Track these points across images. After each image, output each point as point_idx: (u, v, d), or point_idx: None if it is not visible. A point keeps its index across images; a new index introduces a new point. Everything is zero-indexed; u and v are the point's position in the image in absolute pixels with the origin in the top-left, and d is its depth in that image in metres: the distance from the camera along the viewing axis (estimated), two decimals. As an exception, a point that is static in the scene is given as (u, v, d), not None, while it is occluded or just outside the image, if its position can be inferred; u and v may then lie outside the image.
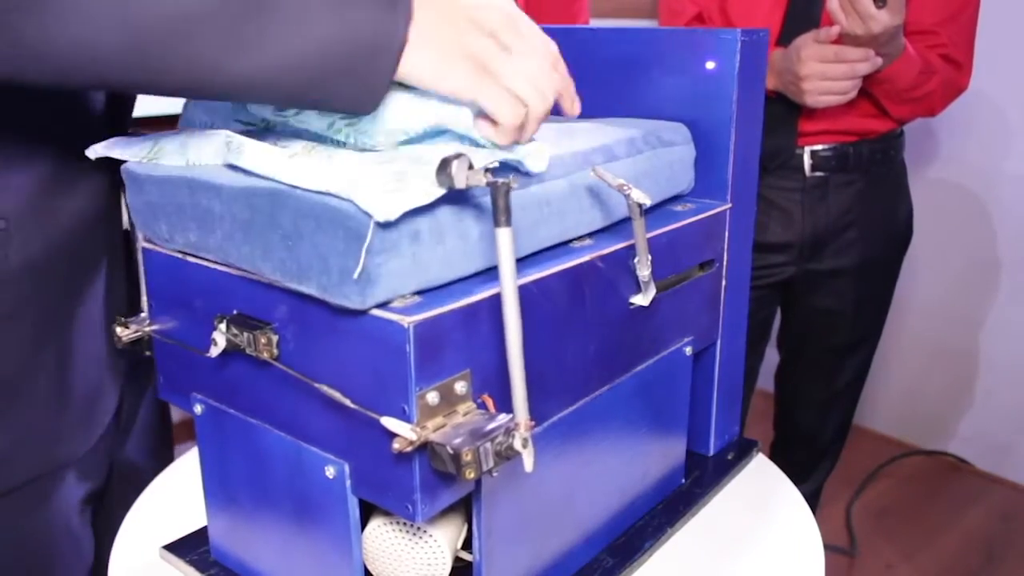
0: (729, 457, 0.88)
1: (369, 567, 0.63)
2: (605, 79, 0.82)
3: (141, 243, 0.68)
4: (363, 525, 0.61)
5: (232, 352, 0.60)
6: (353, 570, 0.59)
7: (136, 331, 0.69)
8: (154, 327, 0.69)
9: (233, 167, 0.59)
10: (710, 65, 0.77)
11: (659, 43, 0.81)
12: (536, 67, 0.55)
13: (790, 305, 1.53)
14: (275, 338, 0.57)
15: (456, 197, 0.53)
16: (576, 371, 0.64)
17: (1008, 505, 2.15)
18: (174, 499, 0.81)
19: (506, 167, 0.58)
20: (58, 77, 0.50)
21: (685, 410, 0.80)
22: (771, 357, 1.62)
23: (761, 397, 1.75)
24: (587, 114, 0.71)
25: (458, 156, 0.49)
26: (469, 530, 0.63)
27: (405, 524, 0.62)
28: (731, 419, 0.90)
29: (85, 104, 0.69)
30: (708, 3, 1.38)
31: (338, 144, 0.60)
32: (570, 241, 0.65)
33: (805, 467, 1.64)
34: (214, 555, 0.71)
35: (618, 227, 0.69)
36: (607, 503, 0.72)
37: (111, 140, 0.65)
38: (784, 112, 1.33)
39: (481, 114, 0.55)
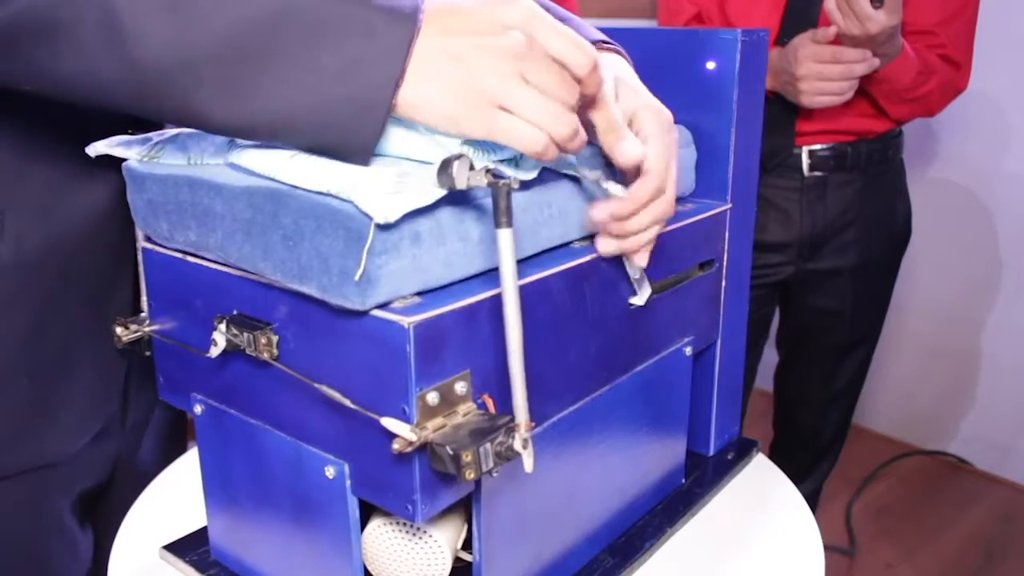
0: (729, 457, 0.88)
1: (369, 567, 0.63)
2: (605, 79, 0.82)
3: (141, 243, 0.68)
4: (363, 525, 0.61)
5: (232, 352, 0.60)
6: (353, 570, 0.59)
7: (136, 331, 0.69)
8: (154, 327, 0.69)
9: (235, 166, 0.59)
10: (710, 65, 0.77)
11: (659, 43, 0.81)
12: (554, 86, 0.52)
13: (789, 305, 1.53)
14: (275, 338, 0.57)
15: (457, 198, 0.53)
16: (576, 371, 0.64)
17: (1008, 505, 2.15)
18: (174, 499, 0.81)
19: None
20: (69, 97, 0.53)
21: (685, 410, 0.80)
22: (770, 357, 1.62)
23: (760, 397, 1.75)
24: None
25: (459, 157, 0.49)
26: (469, 530, 0.63)
27: (405, 524, 0.62)
28: (731, 419, 0.90)
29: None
30: (707, 3, 1.38)
31: None
32: (571, 242, 0.65)
33: (805, 467, 1.64)
34: (214, 555, 0.71)
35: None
36: (607, 503, 0.72)
37: (112, 138, 0.66)
38: (782, 112, 1.33)
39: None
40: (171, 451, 0.89)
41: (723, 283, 0.82)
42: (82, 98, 0.53)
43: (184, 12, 0.48)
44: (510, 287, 0.50)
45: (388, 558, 0.62)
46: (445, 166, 0.49)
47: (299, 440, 0.59)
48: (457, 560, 0.65)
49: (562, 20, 0.69)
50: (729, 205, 0.80)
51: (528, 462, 0.52)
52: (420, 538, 0.61)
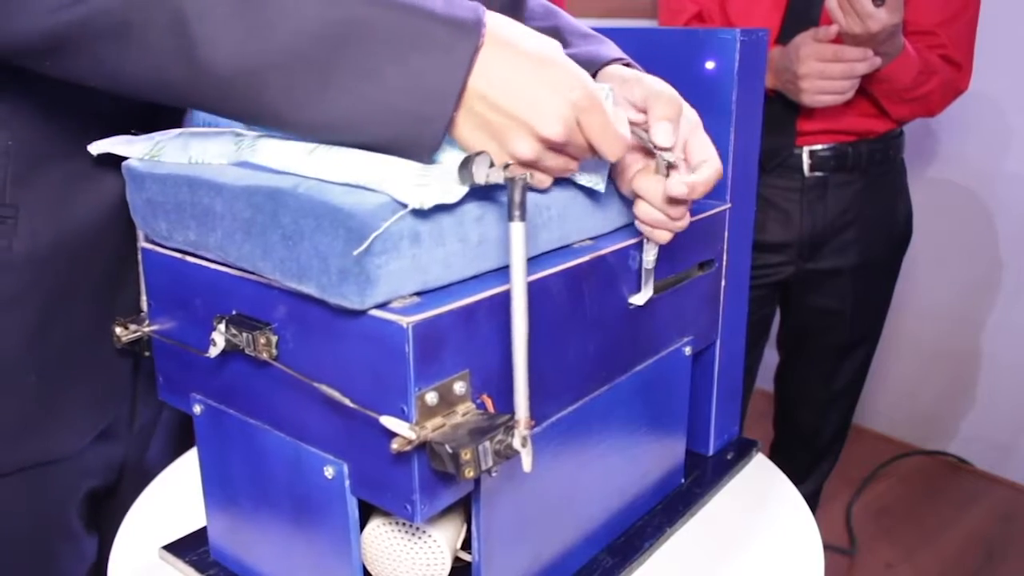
0: (728, 457, 0.88)
1: (368, 567, 0.63)
2: (604, 79, 0.82)
3: (141, 243, 0.68)
4: (362, 525, 0.61)
5: (231, 352, 0.60)
6: (352, 570, 0.59)
7: (135, 331, 0.69)
8: (153, 327, 0.69)
9: (240, 164, 0.59)
10: (709, 65, 0.77)
11: (658, 43, 0.81)
12: (574, 165, 0.58)
13: (789, 305, 1.53)
14: (274, 338, 0.57)
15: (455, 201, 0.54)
16: (575, 371, 0.64)
17: (1008, 505, 2.15)
18: (174, 499, 0.81)
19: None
20: (135, 95, 0.55)
21: (684, 410, 0.80)
22: (771, 357, 1.62)
23: (761, 397, 1.75)
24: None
25: (479, 154, 0.51)
26: (468, 530, 0.63)
27: (404, 524, 0.62)
28: (731, 419, 0.90)
29: (131, 105, 0.70)
30: (708, 2, 1.38)
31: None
32: (570, 244, 0.65)
33: (805, 467, 1.64)
34: (214, 555, 0.71)
35: (617, 230, 0.69)
36: (606, 503, 0.72)
37: (114, 137, 0.66)
38: (783, 111, 1.33)
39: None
40: (179, 454, 0.89)
41: (722, 283, 0.82)
42: (148, 96, 0.55)
43: (251, 21, 0.49)
44: (519, 281, 0.50)
45: (387, 558, 0.62)
46: (466, 163, 0.51)
47: (298, 440, 0.59)
48: (457, 560, 0.65)
49: (583, 37, 0.69)
50: (728, 205, 0.80)
51: (527, 461, 0.52)
52: (419, 538, 0.61)
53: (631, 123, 0.60)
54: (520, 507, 0.62)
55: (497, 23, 0.53)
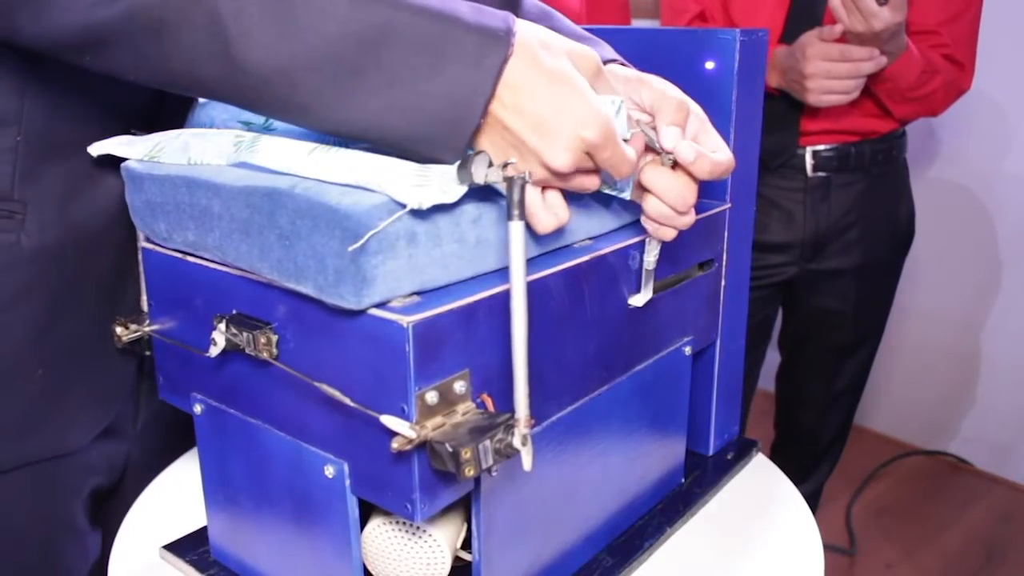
0: (729, 457, 0.88)
1: (369, 567, 0.63)
2: (605, 79, 0.82)
3: (141, 243, 0.68)
4: (363, 525, 0.61)
5: (232, 352, 0.60)
6: (352, 570, 0.59)
7: (136, 331, 0.69)
8: (154, 327, 0.69)
9: (239, 165, 0.59)
10: (709, 65, 0.77)
11: (658, 43, 0.81)
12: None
13: (791, 305, 1.53)
14: (275, 338, 0.57)
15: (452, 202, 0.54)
16: (575, 371, 0.64)
17: (1008, 505, 2.15)
18: (174, 499, 0.81)
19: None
20: (170, 88, 0.57)
21: (684, 410, 0.80)
22: (772, 357, 1.62)
23: (762, 397, 1.75)
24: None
25: (478, 153, 0.51)
26: (469, 530, 0.63)
27: (404, 524, 0.62)
28: (731, 419, 0.90)
29: (136, 102, 0.70)
30: (711, 2, 1.38)
31: (342, 144, 0.60)
32: (572, 243, 0.65)
33: (806, 467, 1.64)
34: (214, 555, 0.71)
35: (617, 230, 0.69)
36: (606, 503, 0.72)
37: (114, 138, 0.66)
38: (786, 111, 1.33)
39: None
40: (182, 454, 0.89)
41: (722, 283, 0.82)
42: (184, 90, 0.56)
43: (285, 23, 0.50)
44: (519, 279, 0.50)
45: (388, 557, 0.62)
46: (465, 162, 0.51)
47: (299, 439, 0.59)
48: (457, 560, 0.65)
49: (578, 39, 0.70)
50: (728, 205, 0.80)
51: (527, 460, 0.52)
52: (420, 537, 0.61)
53: (638, 123, 0.61)
54: (520, 507, 0.62)
55: (526, 33, 0.54)
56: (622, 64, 0.69)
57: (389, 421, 0.50)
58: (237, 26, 0.50)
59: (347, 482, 0.57)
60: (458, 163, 0.52)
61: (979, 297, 2.21)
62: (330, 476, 0.57)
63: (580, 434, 0.66)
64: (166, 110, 0.72)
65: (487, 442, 0.50)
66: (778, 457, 1.49)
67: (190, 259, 0.63)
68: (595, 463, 0.69)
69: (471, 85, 0.51)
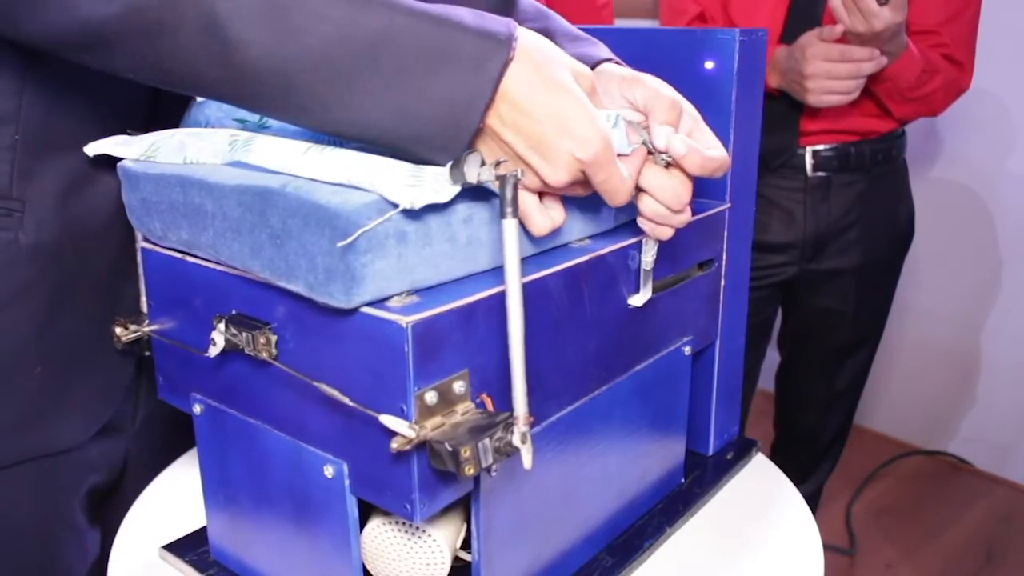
0: (728, 457, 0.88)
1: (368, 567, 0.63)
2: (604, 79, 0.82)
3: (140, 243, 0.68)
4: (362, 525, 0.61)
5: (231, 352, 0.60)
6: (352, 570, 0.59)
7: (135, 331, 0.69)
8: (153, 327, 0.69)
9: (234, 164, 0.59)
10: (709, 65, 0.77)
11: (658, 43, 0.81)
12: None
13: (791, 305, 1.53)
14: (274, 338, 0.57)
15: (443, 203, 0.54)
16: (575, 371, 0.64)
17: (1008, 505, 2.15)
18: (174, 499, 0.81)
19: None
20: (169, 87, 0.57)
21: (684, 410, 0.80)
22: (772, 357, 1.62)
23: (762, 397, 1.75)
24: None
25: (471, 152, 0.51)
26: (468, 530, 0.63)
27: (404, 524, 0.62)
28: (730, 419, 0.90)
29: (134, 100, 0.70)
30: (710, 2, 1.38)
31: (336, 143, 0.60)
32: (568, 242, 0.65)
33: (806, 467, 1.64)
34: (214, 555, 0.71)
35: (616, 230, 0.69)
36: (606, 503, 0.72)
37: (110, 138, 0.66)
38: (786, 111, 1.33)
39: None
40: (181, 452, 0.89)
41: (722, 282, 0.82)
42: (183, 89, 0.56)
43: (282, 25, 0.50)
44: (514, 277, 0.50)
45: (387, 557, 0.62)
46: (458, 162, 0.51)
47: (298, 440, 0.59)
48: (456, 559, 0.65)
49: (574, 39, 0.70)
50: (728, 205, 0.80)
51: (527, 458, 0.52)
52: (419, 537, 0.61)
53: (633, 123, 0.61)
54: (520, 507, 0.62)
55: (528, 40, 0.53)
56: (617, 63, 0.69)
57: (388, 421, 0.50)
58: (234, 28, 0.50)
59: (346, 482, 0.57)
60: (451, 163, 0.52)
61: (979, 297, 2.20)
62: (330, 476, 0.57)
63: (580, 434, 0.66)
64: (162, 108, 0.72)
65: (486, 441, 0.50)
66: (778, 457, 1.49)
67: (189, 259, 0.63)
68: (595, 463, 0.69)
69: (471, 89, 0.51)
